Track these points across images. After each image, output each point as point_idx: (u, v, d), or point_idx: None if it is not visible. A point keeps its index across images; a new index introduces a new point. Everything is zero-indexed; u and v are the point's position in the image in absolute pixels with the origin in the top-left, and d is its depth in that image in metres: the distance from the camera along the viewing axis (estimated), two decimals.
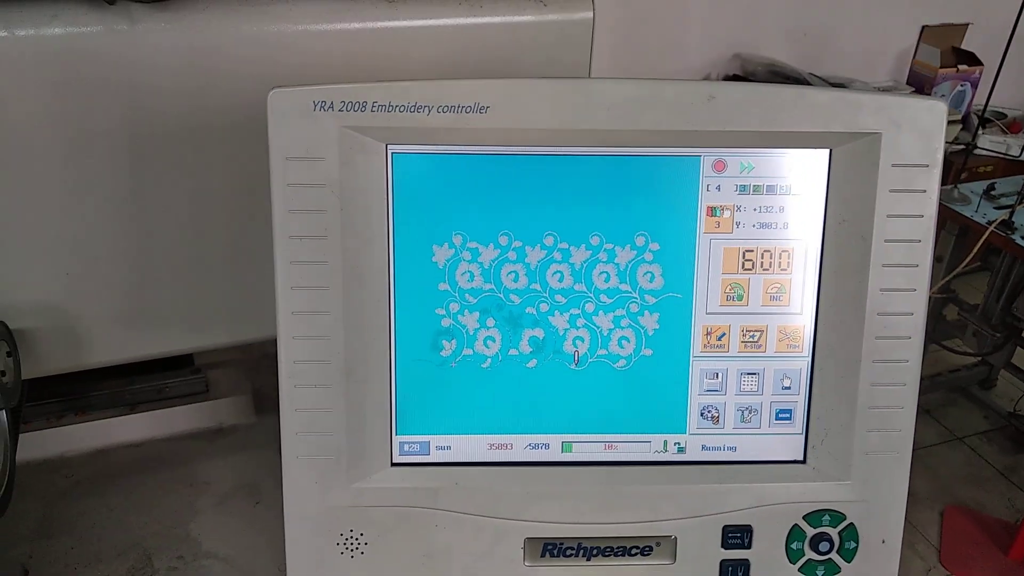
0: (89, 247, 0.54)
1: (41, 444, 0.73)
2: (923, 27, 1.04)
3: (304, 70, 0.53)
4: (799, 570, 0.41)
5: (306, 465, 0.40)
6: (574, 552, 0.40)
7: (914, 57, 1.06)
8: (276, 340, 0.60)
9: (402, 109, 0.38)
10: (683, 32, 1.03)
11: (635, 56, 1.01)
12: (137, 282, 0.56)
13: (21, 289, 0.54)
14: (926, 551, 0.64)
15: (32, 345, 0.55)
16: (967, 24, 1.05)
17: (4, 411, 0.57)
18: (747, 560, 0.41)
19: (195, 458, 0.74)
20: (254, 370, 0.82)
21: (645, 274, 0.40)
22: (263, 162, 0.56)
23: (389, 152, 0.39)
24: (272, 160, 0.39)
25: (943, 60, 1.03)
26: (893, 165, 0.39)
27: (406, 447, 0.41)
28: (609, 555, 0.40)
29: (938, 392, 0.79)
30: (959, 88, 1.04)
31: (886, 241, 0.40)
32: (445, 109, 0.38)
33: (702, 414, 0.41)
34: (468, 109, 0.38)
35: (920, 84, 1.03)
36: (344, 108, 0.38)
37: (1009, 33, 0.72)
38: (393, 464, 0.41)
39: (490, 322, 0.40)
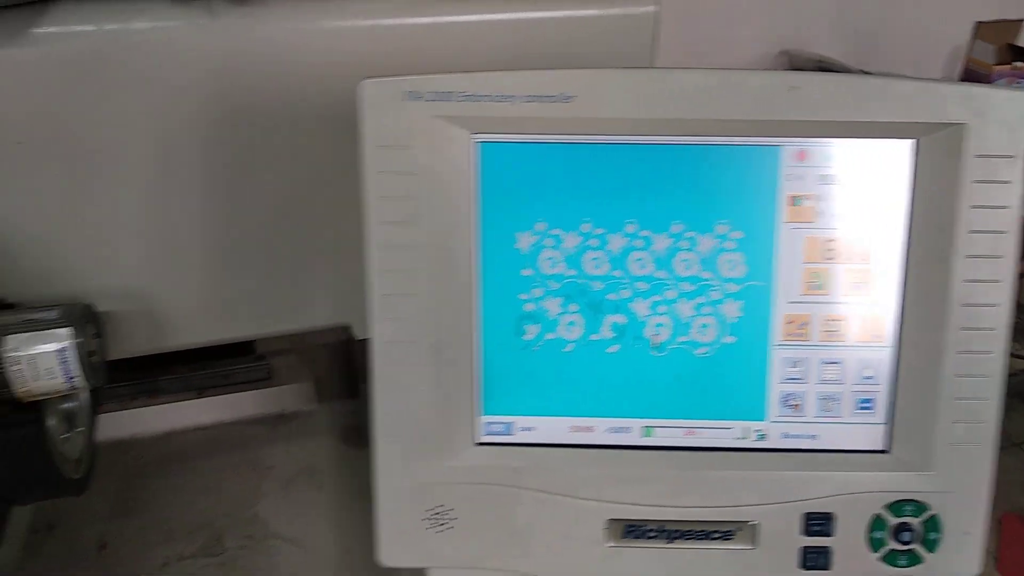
0: (172, 234, 0.56)
1: (113, 426, 0.76)
2: (977, 23, 1.02)
3: (371, 65, 0.54)
4: (881, 559, 0.41)
5: (396, 443, 0.41)
6: (656, 534, 0.41)
7: (968, 54, 1.04)
8: (347, 326, 0.62)
9: (489, 99, 0.39)
10: (728, 28, 1.02)
11: (680, 52, 1.01)
12: (217, 268, 0.58)
13: (107, 273, 0.56)
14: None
15: (115, 327, 0.58)
16: (1023, 20, 1.03)
17: (88, 391, 0.59)
18: (829, 547, 0.41)
19: (259, 442, 0.77)
20: (314, 359, 0.84)
21: (727, 262, 0.41)
22: (340, 154, 0.58)
23: (476, 141, 0.40)
24: (363, 148, 0.40)
25: (998, 57, 1.01)
26: (977, 156, 0.39)
27: (491, 427, 0.42)
28: (690, 538, 0.41)
29: None
30: (1015, 85, 1.02)
31: (970, 232, 0.40)
32: (531, 99, 0.39)
33: (783, 402, 0.41)
34: (553, 98, 0.39)
35: (975, 81, 1.01)
36: (433, 98, 0.39)
37: None
38: (479, 444, 0.42)
39: (572, 307, 0.41)
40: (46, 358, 0.53)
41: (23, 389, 0.53)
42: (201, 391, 0.78)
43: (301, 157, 0.57)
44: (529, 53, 0.59)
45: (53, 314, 0.54)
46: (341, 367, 0.86)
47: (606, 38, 0.60)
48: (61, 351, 0.53)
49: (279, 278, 0.61)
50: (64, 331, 0.53)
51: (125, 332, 0.58)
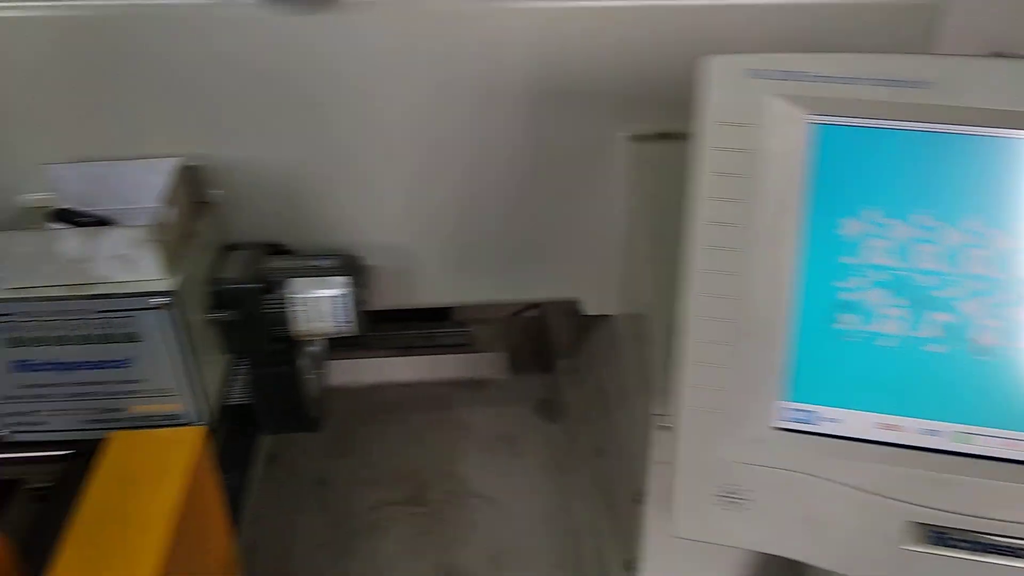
0: (434, 198, 0.60)
1: (329, 374, 0.82)
2: None
3: (643, 45, 0.55)
4: None
5: (698, 418, 0.41)
6: (960, 544, 0.39)
7: None
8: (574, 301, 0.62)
9: (833, 80, 0.39)
10: (937, 25, 0.96)
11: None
12: (468, 235, 0.61)
13: (374, 229, 0.60)
14: None
15: (375, 281, 0.61)
16: None
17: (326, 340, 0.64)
18: None
19: (457, 404, 0.80)
20: (509, 330, 0.87)
21: None
22: (594, 133, 0.59)
23: (812, 122, 0.39)
24: (700, 124, 0.40)
25: None
26: None
27: (792, 414, 0.42)
28: (1000, 554, 0.39)
29: None
30: None
31: None
32: (881, 82, 0.38)
33: None
34: (906, 83, 0.38)
35: None
36: (775, 76, 0.39)
37: None
38: (779, 428, 0.42)
39: (893, 300, 0.40)
40: (325, 302, 0.57)
41: (299, 329, 0.58)
42: (404, 350, 0.83)
43: (558, 135, 0.58)
44: (802, 38, 0.58)
45: (332, 262, 0.59)
46: (535, 341, 0.88)
47: (882, 27, 0.58)
48: (339, 297, 0.57)
49: (520, 249, 0.63)
50: (343, 279, 0.57)
51: (382, 285, 0.62)
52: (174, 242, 0.52)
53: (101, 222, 0.56)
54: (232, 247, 0.59)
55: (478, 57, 0.55)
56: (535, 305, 0.88)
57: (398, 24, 0.54)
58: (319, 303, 0.57)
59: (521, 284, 0.64)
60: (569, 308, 0.84)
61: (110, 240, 0.50)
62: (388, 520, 0.69)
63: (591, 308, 0.64)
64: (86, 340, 0.51)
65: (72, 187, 0.56)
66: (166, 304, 0.50)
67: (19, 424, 0.53)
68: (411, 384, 0.81)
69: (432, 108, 0.57)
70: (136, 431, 0.53)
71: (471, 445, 0.75)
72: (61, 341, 0.50)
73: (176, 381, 0.53)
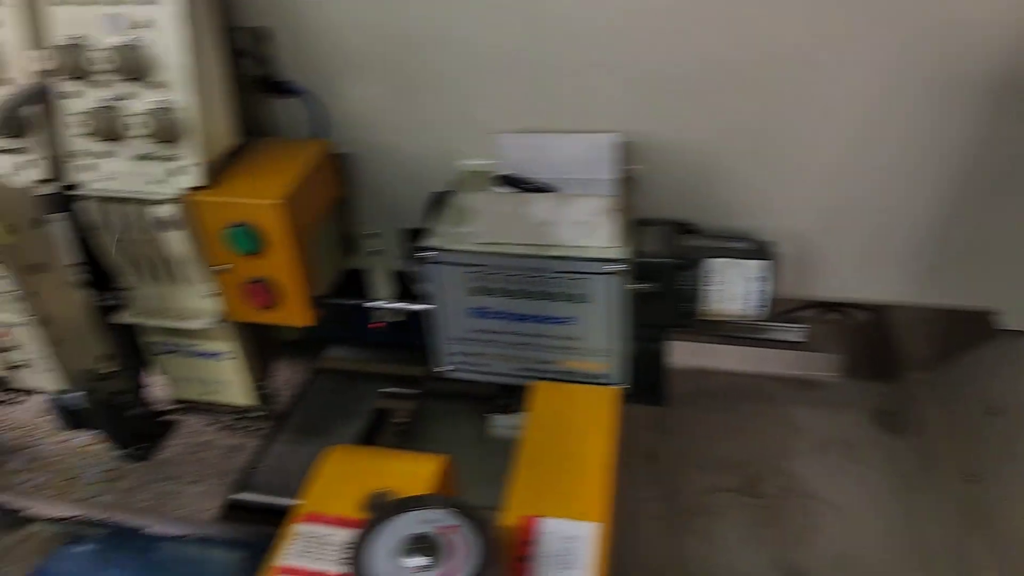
0: (854, 189, 0.58)
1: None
2: None
3: None
4: None
5: None
6: None
7: None
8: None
9: None
10: None
11: None
12: (884, 230, 0.58)
13: (785, 215, 0.59)
14: None
15: (780, 269, 0.61)
16: None
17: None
18: None
19: (785, 400, 0.79)
20: (847, 333, 0.84)
21: None
22: None
23: None
24: None
25: None
26: None
27: None
28: None
29: None
30: None
31: None
32: None
33: None
34: None
35: None
36: None
37: None
38: None
39: None
40: (740, 285, 0.58)
41: (708, 308, 0.59)
42: (731, 339, 0.82)
43: (1017, 132, 0.54)
44: None
45: (747, 246, 0.59)
46: (877, 346, 0.84)
47: None
48: (754, 280, 0.57)
49: (942, 251, 0.59)
50: (761, 264, 0.57)
51: (784, 274, 0.61)
52: (623, 213, 0.55)
53: (540, 189, 0.60)
54: (643, 222, 0.62)
55: (941, 42, 0.51)
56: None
57: (852, 5, 0.52)
58: (735, 285, 0.58)
59: (934, 288, 0.60)
60: (925, 316, 0.80)
61: (575, 207, 0.54)
62: (721, 506, 0.69)
63: (1012, 323, 0.59)
64: (539, 296, 0.55)
65: (515, 155, 0.61)
66: (619, 271, 0.53)
67: (464, 363, 0.60)
68: (737, 374, 0.81)
69: (873, 95, 0.54)
70: (559, 384, 0.58)
71: (802, 444, 0.74)
72: (517, 294, 0.56)
73: (610, 343, 0.56)
